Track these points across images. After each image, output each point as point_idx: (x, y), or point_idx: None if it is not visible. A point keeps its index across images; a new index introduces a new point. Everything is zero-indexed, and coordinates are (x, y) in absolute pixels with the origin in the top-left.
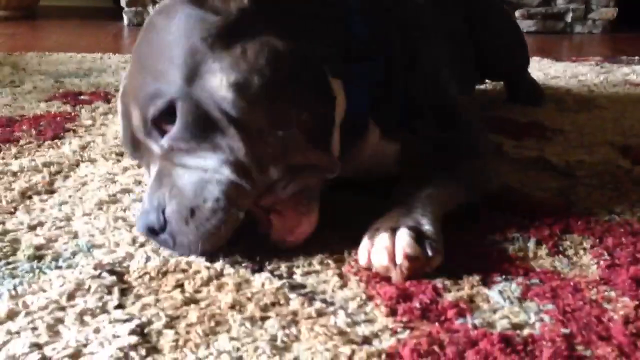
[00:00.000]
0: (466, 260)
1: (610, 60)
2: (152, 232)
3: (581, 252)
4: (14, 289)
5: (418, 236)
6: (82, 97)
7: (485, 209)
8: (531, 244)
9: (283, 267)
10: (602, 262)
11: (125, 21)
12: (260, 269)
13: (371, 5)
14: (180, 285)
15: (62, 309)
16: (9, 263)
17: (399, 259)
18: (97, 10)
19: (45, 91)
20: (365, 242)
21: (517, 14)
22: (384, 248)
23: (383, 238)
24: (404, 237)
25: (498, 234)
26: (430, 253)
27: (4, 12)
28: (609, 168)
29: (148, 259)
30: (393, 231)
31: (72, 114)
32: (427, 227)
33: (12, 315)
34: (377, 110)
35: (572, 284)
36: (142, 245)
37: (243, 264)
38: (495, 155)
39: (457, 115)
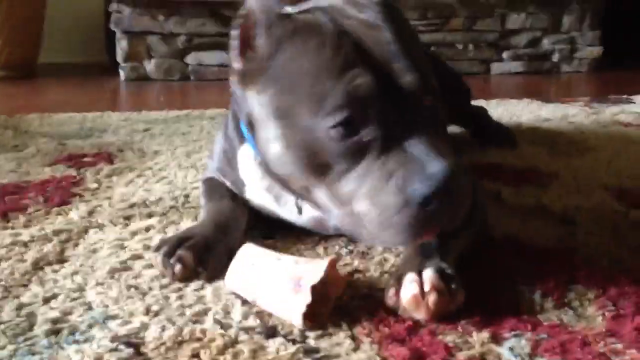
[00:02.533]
0: (474, 314)
1: (598, 100)
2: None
3: (586, 303)
4: None
5: (442, 276)
6: (85, 159)
7: (488, 258)
8: (537, 297)
9: (296, 331)
10: (607, 313)
11: (122, 76)
12: (273, 334)
13: None
14: (196, 355)
15: None
16: (27, 339)
17: (427, 287)
18: (93, 65)
19: (49, 154)
20: (392, 283)
21: (504, 55)
22: (414, 281)
23: (411, 277)
24: (430, 273)
25: (503, 286)
26: (454, 287)
27: (1, 72)
28: (606, 213)
29: (163, 328)
30: (419, 272)
31: (77, 177)
32: (449, 270)
33: None
34: None
35: (579, 337)
36: (156, 314)
37: (256, 329)
38: (491, 204)
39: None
